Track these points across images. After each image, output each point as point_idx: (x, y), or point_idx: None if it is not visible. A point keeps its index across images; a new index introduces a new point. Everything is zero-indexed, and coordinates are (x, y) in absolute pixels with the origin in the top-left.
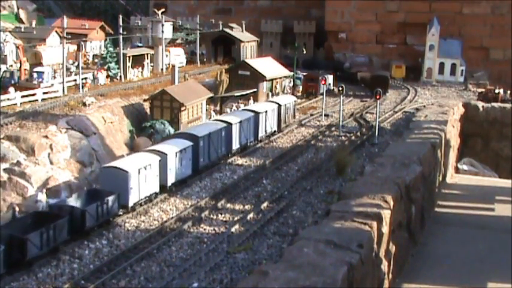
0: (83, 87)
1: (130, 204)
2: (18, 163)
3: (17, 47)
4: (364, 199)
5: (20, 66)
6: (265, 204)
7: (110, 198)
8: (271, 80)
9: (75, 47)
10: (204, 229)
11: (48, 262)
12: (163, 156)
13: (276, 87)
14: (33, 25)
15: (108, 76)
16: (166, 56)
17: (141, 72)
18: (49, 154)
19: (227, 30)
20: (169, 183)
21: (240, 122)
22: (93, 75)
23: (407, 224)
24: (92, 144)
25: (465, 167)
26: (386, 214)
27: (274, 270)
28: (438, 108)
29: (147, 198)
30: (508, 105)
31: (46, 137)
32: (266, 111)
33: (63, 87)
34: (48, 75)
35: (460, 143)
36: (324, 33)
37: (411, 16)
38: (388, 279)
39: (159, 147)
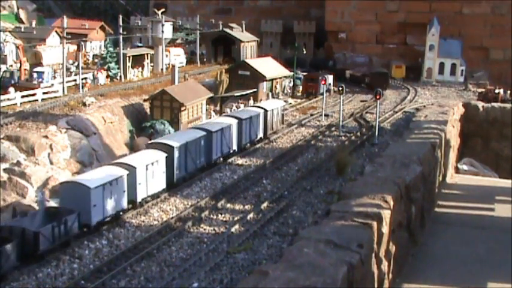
0: (83, 87)
1: (93, 223)
2: (18, 163)
3: (17, 47)
4: (364, 199)
5: (20, 66)
6: (265, 204)
7: (69, 218)
8: (271, 80)
9: (75, 47)
10: (204, 229)
11: (48, 262)
12: (131, 169)
13: (276, 87)
14: (33, 25)
15: (108, 76)
16: (166, 56)
17: (141, 72)
18: (49, 154)
19: (227, 30)
20: (139, 199)
21: (222, 129)
22: (93, 75)
23: (407, 224)
24: (92, 144)
25: (465, 167)
26: (386, 214)
27: (274, 270)
28: (438, 108)
29: (113, 216)
30: (508, 105)
31: (46, 137)
32: (250, 118)
33: (63, 87)
34: (48, 75)
35: (460, 143)
36: (324, 33)
37: (411, 16)
38: (388, 279)
39: (128, 159)
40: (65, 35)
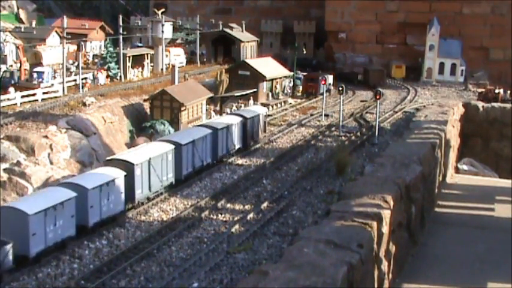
0: (83, 87)
1: (32, 254)
2: (18, 163)
3: (17, 47)
4: (364, 199)
5: (20, 66)
6: (265, 204)
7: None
8: (271, 80)
9: (75, 47)
10: (204, 229)
11: (48, 262)
12: (82, 191)
13: (276, 87)
14: (33, 25)
15: (108, 76)
16: (166, 56)
17: (141, 72)
18: (49, 154)
19: (227, 30)
20: (90, 224)
21: (193, 141)
22: (93, 75)
23: (407, 224)
24: (92, 144)
25: (465, 167)
26: (386, 214)
27: (274, 270)
28: (438, 108)
29: (58, 244)
30: (508, 105)
31: (46, 137)
32: (227, 127)
33: (63, 87)
34: (48, 75)
35: (460, 143)
36: (324, 33)
37: (411, 16)
38: (388, 279)
39: (79, 179)
40: (65, 35)
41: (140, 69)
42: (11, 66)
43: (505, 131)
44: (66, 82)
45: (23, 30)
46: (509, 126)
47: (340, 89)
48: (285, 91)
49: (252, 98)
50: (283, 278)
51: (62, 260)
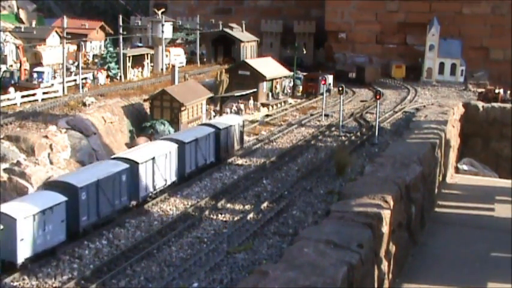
0: (83, 87)
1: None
2: (18, 163)
3: (17, 47)
4: (364, 199)
5: (20, 66)
6: (265, 204)
7: None
8: (271, 80)
9: (75, 47)
10: (204, 229)
11: (48, 262)
12: (10, 221)
13: (276, 87)
14: (33, 25)
15: (108, 76)
16: (166, 56)
17: (141, 72)
18: (49, 154)
19: (227, 30)
20: (20, 260)
21: (153, 159)
22: (93, 75)
23: (407, 224)
24: (92, 144)
25: (465, 167)
26: (386, 214)
27: (274, 270)
28: (438, 108)
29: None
30: (508, 105)
31: (46, 137)
32: (196, 140)
33: (63, 87)
34: (48, 75)
35: (460, 143)
36: (324, 33)
37: (411, 16)
38: (388, 279)
39: (8, 208)
40: (65, 35)
41: (140, 69)
42: (11, 66)
43: (505, 131)
44: (66, 82)
45: (23, 30)
46: (509, 126)
47: (340, 89)
48: (285, 91)
49: (252, 98)
50: (283, 278)
51: (62, 260)
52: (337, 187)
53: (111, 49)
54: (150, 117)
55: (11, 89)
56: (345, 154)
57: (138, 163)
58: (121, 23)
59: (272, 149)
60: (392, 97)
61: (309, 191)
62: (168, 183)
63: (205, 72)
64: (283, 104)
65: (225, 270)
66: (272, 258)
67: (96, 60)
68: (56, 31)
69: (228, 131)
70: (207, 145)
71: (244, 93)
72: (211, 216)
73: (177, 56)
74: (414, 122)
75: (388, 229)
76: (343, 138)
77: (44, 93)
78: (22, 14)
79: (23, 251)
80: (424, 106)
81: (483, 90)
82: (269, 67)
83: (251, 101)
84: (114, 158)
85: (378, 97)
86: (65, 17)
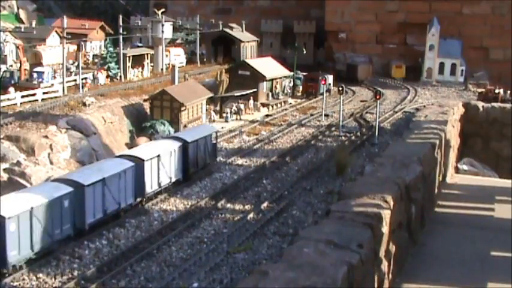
0: (83, 87)
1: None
2: (18, 163)
3: (17, 47)
4: (364, 199)
5: (20, 66)
6: (265, 204)
7: None
8: (271, 80)
9: (75, 47)
10: (204, 229)
11: (48, 262)
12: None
13: (276, 87)
14: (33, 25)
15: (108, 76)
16: (166, 56)
17: (141, 72)
18: (49, 154)
19: (227, 30)
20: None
21: (103, 180)
22: (93, 75)
23: (407, 224)
24: (92, 144)
25: (465, 167)
26: (386, 214)
27: (274, 270)
28: (438, 108)
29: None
30: (508, 105)
31: (46, 137)
32: (158, 156)
33: (63, 87)
34: (48, 75)
35: (460, 143)
36: (324, 33)
37: (411, 16)
38: (388, 279)
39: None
40: (65, 35)
41: (140, 69)
42: (11, 66)
43: (505, 131)
44: (66, 82)
45: (23, 30)
46: (509, 126)
47: (340, 89)
48: (285, 91)
49: (252, 98)
50: (283, 278)
51: (62, 260)
52: (337, 187)
53: (111, 49)
54: (150, 117)
55: (11, 89)
56: (345, 154)
57: (84, 185)
58: (121, 23)
59: (272, 149)
60: (392, 97)
61: (309, 191)
62: (123, 206)
63: (205, 72)
64: (283, 104)
65: (225, 270)
66: (272, 258)
67: (96, 60)
68: (56, 31)
69: (197, 144)
70: (172, 161)
71: (244, 93)
72: (211, 216)
73: (177, 56)
74: (414, 122)
75: (388, 229)
76: (343, 138)
77: (44, 93)
78: (22, 14)
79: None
80: (424, 106)
81: (483, 90)
82: (269, 67)
83: (251, 101)
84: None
85: (377, 97)
86: (65, 17)
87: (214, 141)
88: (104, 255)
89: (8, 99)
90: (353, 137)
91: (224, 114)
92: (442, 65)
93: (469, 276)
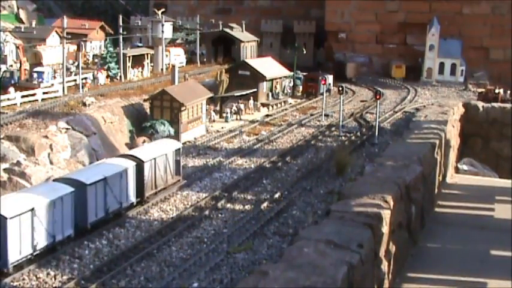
0: (83, 87)
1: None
2: (18, 163)
3: (17, 47)
4: (364, 199)
5: (20, 66)
6: (265, 204)
7: None
8: (271, 80)
9: (75, 47)
10: (204, 229)
11: (48, 262)
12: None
13: (276, 87)
14: (33, 25)
15: (108, 76)
16: (166, 56)
17: (141, 72)
18: (49, 154)
19: (227, 30)
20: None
21: (32, 210)
22: (93, 75)
23: (407, 224)
24: (92, 144)
25: (465, 167)
26: (386, 214)
27: (274, 270)
28: (438, 108)
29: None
30: (508, 105)
31: (46, 137)
32: (104, 179)
33: (63, 87)
34: (48, 75)
35: (460, 143)
36: (324, 33)
37: (411, 16)
38: (388, 279)
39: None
40: (65, 35)
41: (140, 69)
42: (11, 66)
43: (505, 131)
44: (66, 82)
45: (23, 30)
46: (509, 126)
47: (340, 89)
48: (285, 91)
49: (252, 98)
50: (283, 278)
51: (62, 260)
52: (337, 187)
53: (111, 49)
54: (150, 117)
55: (11, 89)
56: (345, 154)
57: (5, 218)
58: (121, 23)
59: (272, 149)
60: (392, 97)
61: (309, 191)
62: (59, 239)
63: (205, 72)
64: (283, 104)
65: (225, 270)
66: (272, 258)
67: (96, 60)
68: (56, 31)
69: (156, 162)
70: (123, 184)
71: (244, 93)
72: (211, 216)
73: (177, 56)
74: (414, 122)
75: (388, 229)
76: (343, 138)
77: (44, 93)
78: (22, 14)
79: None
80: (424, 106)
81: (483, 90)
82: (269, 67)
83: (251, 101)
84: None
85: (377, 97)
86: (65, 17)
87: (178, 158)
88: (104, 255)
89: (8, 99)
90: (353, 137)
91: (224, 114)
92: (442, 65)
93: (469, 276)
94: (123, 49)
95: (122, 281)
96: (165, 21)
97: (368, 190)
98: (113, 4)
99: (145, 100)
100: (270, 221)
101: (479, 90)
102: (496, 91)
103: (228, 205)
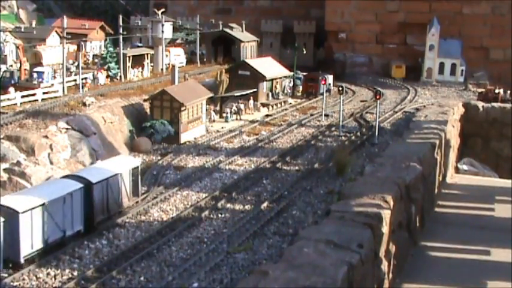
0: (83, 87)
1: None
2: (18, 163)
3: (17, 47)
4: (364, 199)
5: (20, 66)
6: (265, 204)
7: None
8: (271, 80)
9: (75, 47)
10: (204, 229)
11: (48, 262)
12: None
13: (276, 87)
14: (33, 25)
15: (108, 76)
16: (166, 56)
17: (141, 72)
18: (49, 154)
19: (227, 30)
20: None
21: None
22: (93, 75)
23: (407, 224)
24: (92, 144)
25: (465, 167)
26: (386, 214)
27: (274, 270)
28: (438, 108)
29: None
30: (508, 105)
31: (46, 137)
32: (43, 205)
33: (63, 87)
34: (48, 75)
35: (460, 143)
36: (324, 33)
37: (411, 16)
38: (388, 279)
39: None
40: (65, 35)
41: (140, 69)
42: (11, 66)
43: (505, 131)
44: (66, 82)
45: (23, 30)
46: (509, 126)
47: (340, 89)
48: (285, 91)
49: (252, 98)
50: (283, 278)
51: (62, 260)
52: (337, 187)
53: (111, 49)
54: (150, 117)
55: (11, 89)
56: (345, 154)
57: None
58: (121, 23)
59: (272, 149)
60: (393, 97)
61: (309, 191)
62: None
63: (205, 72)
64: (283, 104)
65: (225, 270)
66: (272, 258)
67: (96, 60)
68: (56, 31)
69: (107, 183)
70: (67, 210)
71: (244, 93)
72: (211, 216)
73: (177, 56)
74: (414, 122)
75: (388, 229)
76: (343, 138)
77: (44, 93)
78: (22, 14)
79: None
80: (424, 106)
81: (483, 90)
82: (269, 67)
83: (251, 101)
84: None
85: (377, 97)
86: (65, 17)
87: (136, 178)
88: (104, 255)
89: (8, 99)
90: (353, 137)
91: (224, 114)
92: (442, 65)
93: (469, 276)
94: (123, 49)
95: (122, 281)
96: (165, 21)
97: (368, 190)
98: (113, 4)
99: (145, 100)
100: (270, 221)
101: (479, 90)
102: (496, 91)
103: (228, 205)
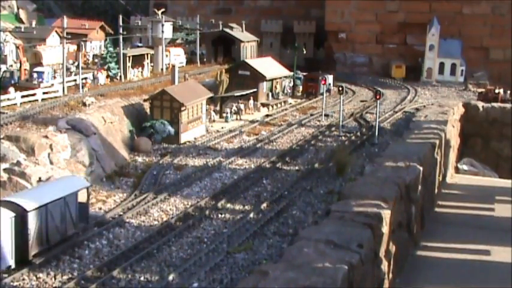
0: (83, 87)
1: None
2: (18, 163)
3: (17, 47)
4: (364, 199)
5: (20, 66)
6: (265, 204)
7: None
8: (271, 80)
9: (75, 47)
10: (204, 229)
11: (48, 262)
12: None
13: (276, 87)
14: (33, 25)
15: (108, 76)
16: (166, 56)
17: (141, 72)
18: (49, 154)
19: (227, 30)
20: None
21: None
22: (93, 75)
23: (407, 224)
24: (92, 144)
25: (465, 167)
26: (386, 214)
27: (274, 270)
28: (438, 108)
29: None
30: (508, 105)
31: (46, 137)
32: None
33: (63, 87)
34: (48, 75)
35: (460, 143)
36: (324, 33)
37: (411, 16)
38: (388, 279)
39: None
40: (65, 35)
41: (140, 69)
42: (11, 66)
43: (505, 131)
44: (66, 82)
45: (23, 30)
46: (509, 126)
47: (340, 89)
48: (285, 91)
49: (252, 98)
50: (283, 278)
51: (62, 260)
52: (337, 187)
53: (111, 49)
54: (150, 117)
55: (11, 89)
56: (345, 154)
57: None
58: (121, 23)
59: (272, 149)
60: (393, 97)
61: (309, 191)
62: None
63: (205, 72)
64: (283, 104)
65: (225, 270)
66: (272, 258)
67: (96, 60)
68: (56, 31)
69: (47, 210)
70: None
71: (244, 93)
72: (211, 216)
73: (177, 56)
74: (414, 122)
75: (388, 229)
76: (343, 138)
77: (44, 93)
78: (22, 14)
79: None
80: (424, 106)
81: (483, 90)
82: (269, 67)
83: (251, 101)
84: None
85: (377, 97)
86: (65, 17)
87: (85, 201)
88: (104, 255)
89: (8, 99)
90: (353, 137)
91: (224, 114)
92: (442, 65)
93: (469, 276)
94: (123, 49)
95: (122, 281)
96: (165, 21)
97: (368, 190)
98: (113, 4)
99: (145, 100)
100: (270, 221)
101: (479, 90)
102: (496, 91)
103: (228, 205)
